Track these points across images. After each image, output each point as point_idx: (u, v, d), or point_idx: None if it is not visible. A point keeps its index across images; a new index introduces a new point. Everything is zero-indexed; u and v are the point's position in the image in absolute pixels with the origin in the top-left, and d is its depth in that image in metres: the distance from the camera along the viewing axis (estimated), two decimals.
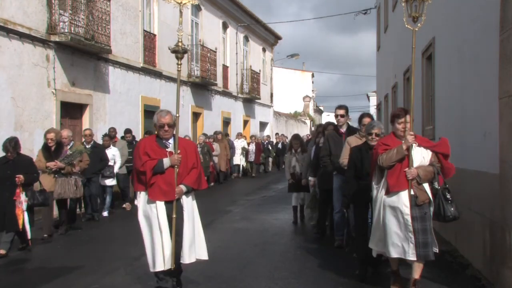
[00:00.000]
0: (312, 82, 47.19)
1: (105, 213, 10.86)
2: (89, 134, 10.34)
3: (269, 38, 28.39)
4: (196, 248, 5.13)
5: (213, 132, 18.90)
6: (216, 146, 17.53)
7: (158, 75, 16.07)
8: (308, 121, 39.11)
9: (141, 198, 5.07)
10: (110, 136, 11.35)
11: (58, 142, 8.54)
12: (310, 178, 8.78)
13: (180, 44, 5.12)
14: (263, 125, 28.19)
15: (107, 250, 7.64)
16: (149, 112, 15.59)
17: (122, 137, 12.38)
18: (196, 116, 19.41)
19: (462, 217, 5.34)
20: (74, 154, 8.67)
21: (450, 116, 7.67)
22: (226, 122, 22.65)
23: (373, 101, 37.87)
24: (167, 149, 5.07)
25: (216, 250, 7.44)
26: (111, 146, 11.09)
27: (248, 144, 21.73)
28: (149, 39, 15.57)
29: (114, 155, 10.99)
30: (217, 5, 20.80)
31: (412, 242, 4.87)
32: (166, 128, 5.06)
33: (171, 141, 5.14)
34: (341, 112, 7.52)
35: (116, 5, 13.52)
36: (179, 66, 5.22)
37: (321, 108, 54.11)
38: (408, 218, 4.89)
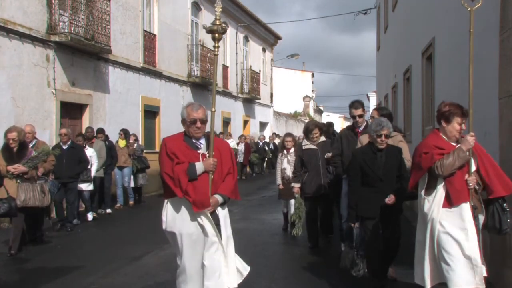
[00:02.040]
0: (312, 82, 47.20)
1: (90, 216, 10.27)
2: (65, 133, 9.34)
3: (269, 38, 28.39)
4: (229, 273, 4.19)
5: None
6: None
7: (158, 75, 16.08)
8: None
9: (168, 208, 4.21)
10: (85, 137, 10.52)
11: (22, 142, 7.45)
12: (293, 184, 7.73)
13: (218, 22, 4.19)
14: (263, 125, 28.19)
15: (107, 250, 7.64)
16: (149, 112, 15.62)
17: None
18: None
19: None
20: (39, 156, 7.53)
21: None
22: (226, 122, 22.65)
23: (373, 101, 37.87)
24: (199, 151, 4.19)
25: None
26: (87, 147, 10.25)
27: (238, 144, 20.81)
28: (149, 39, 15.57)
29: (91, 157, 10.14)
30: None
31: (479, 265, 4.07)
32: (199, 124, 4.14)
33: (202, 140, 4.24)
34: (359, 112, 6.41)
35: (116, 5, 13.52)
36: (216, 50, 4.31)
37: (321, 108, 54.11)
38: (475, 235, 4.11)
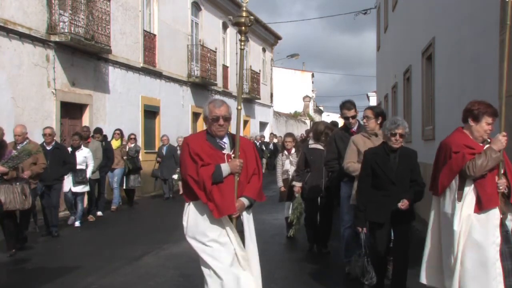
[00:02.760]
0: (312, 82, 47.20)
1: (77, 223, 9.55)
2: (49, 133, 8.71)
3: (269, 38, 28.39)
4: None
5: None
6: None
7: (158, 75, 16.07)
8: (308, 121, 39.09)
9: (190, 212, 3.91)
10: (81, 136, 9.93)
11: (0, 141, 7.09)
12: (294, 183, 7.49)
13: (245, 14, 3.94)
14: (263, 125, 28.19)
15: (107, 250, 7.63)
16: (149, 112, 15.62)
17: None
18: (196, 116, 19.40)
19: None
20: (21, 156, 7.13)
21: (450, 116, 7.66)
22: None
23: (373, 101, 37.86)
24: (223, 151, 3.91)
25: None
26: (83, 147, 9.70)
27: None
28: (149, 39, 15.57)
29: (86, 157, 9.57)
30: (217, 5, 20.80)
31: (500, 273, 3.87)
32: (221, 121, 3.87)
33: (226, 140, 3.98)
34: (352, 113, 6.13)
35: (116, 5, 13.52)
36: (242, 44, 4.09)
37: (321, 108, 54.11)
38: (498, 241, 3.91)
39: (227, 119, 3.91)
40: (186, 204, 3.94)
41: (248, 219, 3.94)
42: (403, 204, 4.69)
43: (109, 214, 11.15)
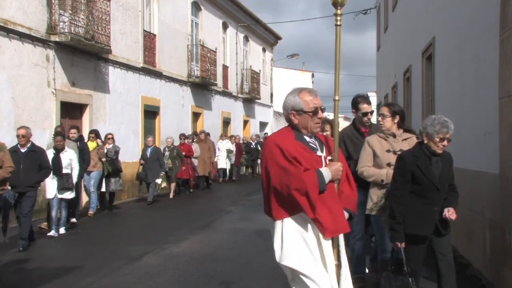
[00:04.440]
0: (312, 82, 47.17)
1: (62, 230, 8.80)
2: (22, 134, 7.71)
3: (269, 38, 28.39)
4: None
5: (213, 132, 18.83)
6: (195, 147, 15.63)
7: (158, 75, 16.07)
8: None
9: (285, 233, 3.18)
10: (64, 136, 9.12)
11: None
12: None
13: None
14: (263, 125, 28.19)
15: (107, 250, 7.63)
16: (149, 112, 15.62)
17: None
18: (196, 116, 19.40)
19: (462, 217, 5.33)
20: None
21: (450, 116, 7.63)
22: (226, 122, 22.65)
23: (373, 100, 37.86)
24: (317, 153, 3.25)
25: (216, 250, 7.45)
26: (66, 148, 8.89)
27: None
28: (149, 39, 15.58)
29: (71, 159, 8.82)
30: (217, 5, 20.81)
31: None
32: (321, 114, 3.24)
33: (313, 139, 3.31)
34: (371, 108, 5.37)
35: (116, 5, 13.52)
36: (338, 20, 3.31)
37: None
38: None
39: (323, 111, 3.28)
40: (276, 222, 3.21)
41: (342, 239, 3.25)
42: (451, 213, 4.16)
43: (75, 223, 9.73)
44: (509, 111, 4.90)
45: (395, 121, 4.84)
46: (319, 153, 3.24)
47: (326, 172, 3.12)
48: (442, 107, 8.40)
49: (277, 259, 3.19)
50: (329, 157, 3.25)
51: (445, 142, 4.18)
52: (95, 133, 11.17)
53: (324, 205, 3.06)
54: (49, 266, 6.70)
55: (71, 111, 12.10)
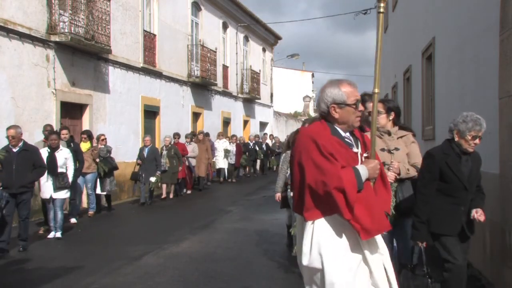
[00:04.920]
0: (312, 82, 47.24)
1: (58, 234, 8.48)
2: (12, 135, 7.47)
3: (269, 38, 28.40)
4: None
5: (214, 132, 18.80)
6: (193, 147, 15.52)
7: (158, 75, 16.08)
8: None
9: (317, 235, 2.92)
10: (59, 135, 8.98)
11: None
12: (278, 194, 7.04)
13: None
14: (263, 125, 28.19)
15: (107, 250, 7.63)
16: (149, 112, 15.62)
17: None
18: (196, 116, 19.40)
19: None
20: None
21: (450, 116, 7.64)
22: (226, 122, 22.65)
23: None
24: (353, 149, 3.05)
25: (216, 250, 7.45)
26: (61, 147, 8.71)
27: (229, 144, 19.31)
28: (149, 39, 15.58)
29: (67, 158, 8.64)
30: (217, 5, 20.81)
31: None
32: (362, 107, 3.07)
33: (348, 134, 3.09)
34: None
35: (116, 5, 13.52)
36: (381, 7, 3.22)
37: None
38: None
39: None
40: (308, 223, 2.95)
41: (381, 240, 3.04)
42: (479, 214, 4.05)
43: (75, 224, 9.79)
44: (509, 111, 4.90)
45: (390, 118, 4.64)
46: (355, 149, 3.04)
47: (363, 170, 2.92)
48: (442, 107, 8.40)
49: (305, 262, 2.93)
50: (365, 154, 3.06)
51: (477, 141, 4.05)
52: (87, 134, 10.93)
53: (361, 205, 2.85)
54: (49, 266, 6.70)
55: (71, 111, 12.10)
